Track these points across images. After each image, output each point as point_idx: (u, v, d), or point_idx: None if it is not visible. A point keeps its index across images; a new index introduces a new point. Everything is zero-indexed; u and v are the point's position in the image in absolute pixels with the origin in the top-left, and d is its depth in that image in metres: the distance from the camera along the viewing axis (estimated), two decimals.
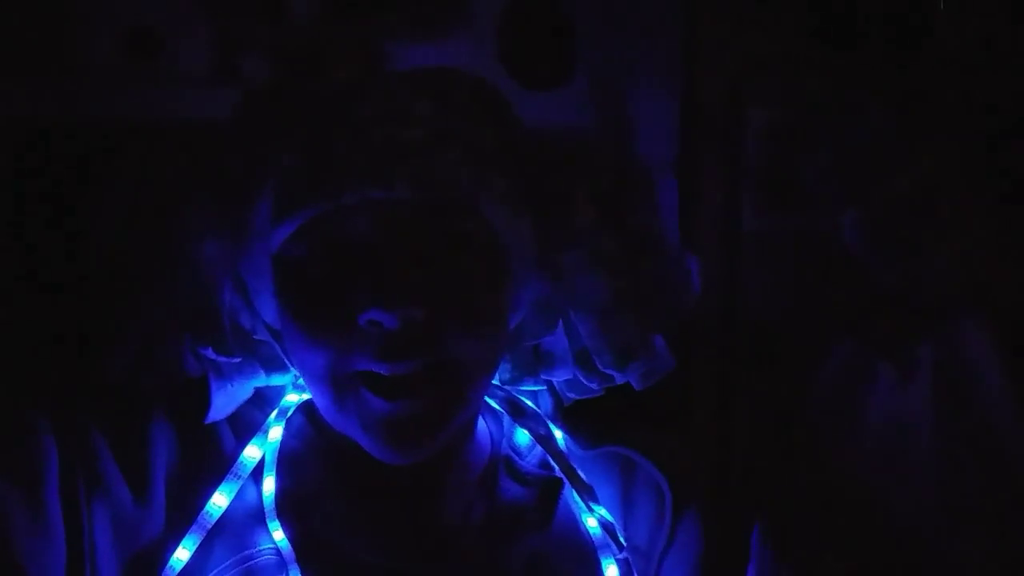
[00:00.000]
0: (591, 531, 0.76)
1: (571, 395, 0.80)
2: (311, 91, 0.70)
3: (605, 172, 0.75)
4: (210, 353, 0.70)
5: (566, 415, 0.82)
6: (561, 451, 0.78)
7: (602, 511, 0.76)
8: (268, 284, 0.69)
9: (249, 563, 0.68)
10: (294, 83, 0.72)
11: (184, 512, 0.68)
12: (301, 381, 0.75)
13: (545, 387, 0.81)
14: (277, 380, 0.75)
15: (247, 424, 0.73)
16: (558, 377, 0.79)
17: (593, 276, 0.73)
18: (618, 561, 0.74)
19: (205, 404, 0.71)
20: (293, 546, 0.68)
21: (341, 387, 0.66)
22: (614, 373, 0.75)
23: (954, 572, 0.98)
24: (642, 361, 0.75)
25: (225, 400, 0.72)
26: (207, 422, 0.71)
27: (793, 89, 1.08)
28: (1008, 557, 0.98)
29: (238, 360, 0.71)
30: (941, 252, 1.02)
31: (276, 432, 0.72)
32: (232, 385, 0.72)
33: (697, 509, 0.78)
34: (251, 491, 0.70)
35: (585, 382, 0.78)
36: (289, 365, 0.74)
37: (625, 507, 0.79)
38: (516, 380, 0.79)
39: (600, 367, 0.75)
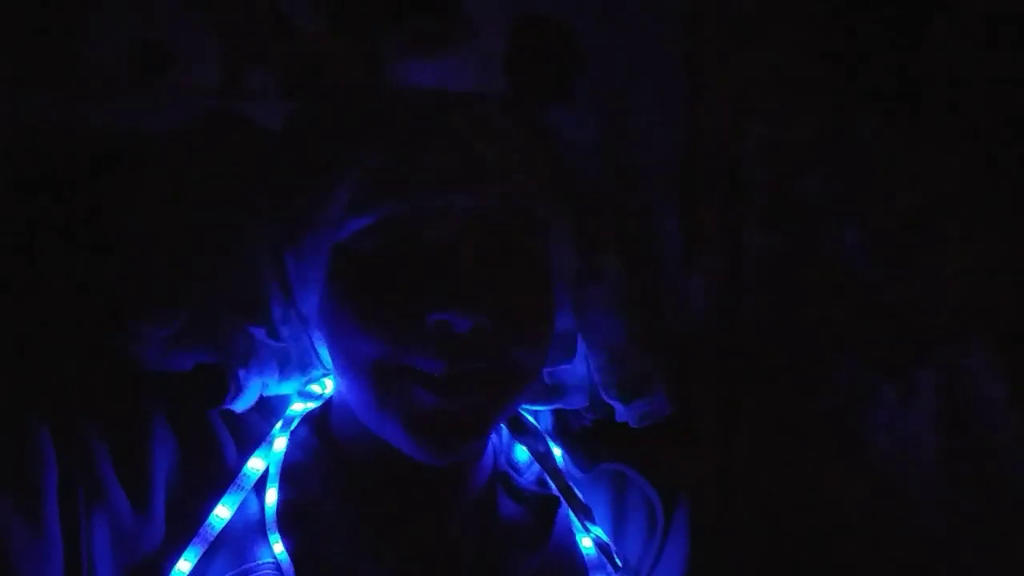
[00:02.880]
0: (586, 551, 0.76)
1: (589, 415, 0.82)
2: (397, 95, 0.73)
3: (632, 216, 0.79)
4: (259, 333, 0.71)
5: (567, 434, 0.82)
6: (559, 470, 0.78)
7: (598, 531, 0.76)
8: (319, 274, 0.70)
9: None
10: (392, 89, 0.75)
11: (185, 523, 0.68)
12: (308, 388, 0.75)
13: (550, 408, 0.81)
14: (285, 387, 0.75)
15: (249, 434, 0.73)
16: (572, 405, 0.80)
17: (611, 314, 0.75)
18: None
19: (212, 400, 0.72)
20: (293, 559, 0.68)
21: (387, 379, 0.67)
22: (618, 406, 0.77)
23: None
24: (645, 400, 0.77)
25: (251, 392, 0.73)
26: (239, 410, 0.72)
27: (794, 106, 1.08)
28: (1011, 574, 0.98)
29: (280, 345, 0.72)
30: (943, 270, 1.02)
31: (281, 443, 0.72)
32: (260, 377, 0.73)
33: (685, 520, 0.79)
34: (253, 503, 0.70)
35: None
36: (314, 363, 0.74)
37: (618, 523, 0.79)
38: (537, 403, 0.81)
39: (605, 399, 0.77)
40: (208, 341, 0.71)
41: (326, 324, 0.70)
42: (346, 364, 0.69)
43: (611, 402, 0.77)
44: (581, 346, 0.77)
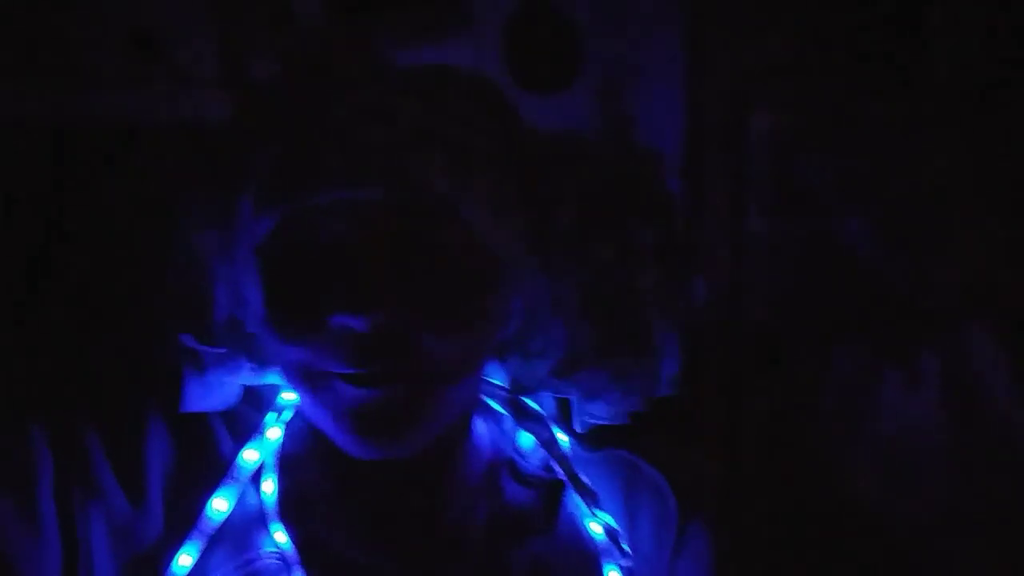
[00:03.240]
0: (594, 536, 0.75)
1: (587, 418, 0.78)
2: (300, 89, 0.69)
3: (598, 172, 0.73)
4: (188, 341, 0.70)
5: (570, 419, 0.81)
6: (564, 454, 0.78)
7: (605, 516, 0.75)
8: (253, 279, 0.68)
9: (250, 566, 0.67)
10: (288, 82, 0.71)
11: (182, 516, 0.67)
12: None
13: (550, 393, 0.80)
14: (271, 378, 0.74)
15: (244, 425, 0.72)
16: (564, 394, 0.77)
17: (568, 280, 0.72)
18: (621, 567, 0.74)
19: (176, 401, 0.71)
20: (295, 547, 0.68)
21: (315, 382, 0.66)
22: (557, 382, 0.74)
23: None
24: (589, 377, 0.73)
25: (201, 392, 0.71)
26: (181, 411, 0.70)
27: (798, 94, 1.08)
28: (1015, 561, 0.98)
29: (222, 351, 0.71)
30: (948, 256, 1.02)
31: (274, 432, 0.72)
32: (209, 377, 0.71)
33: (705, 516, 0.78)
34: (250, 493, 0.70)
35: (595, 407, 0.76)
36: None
37: (628, 511, 0.78)
38: (520, 390, 0.79)
39: (548, 371, 0.74)
40: (158, 346, 0.70)
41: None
42: (279, 368, 0.69)
43: (550, 377, 0.74)
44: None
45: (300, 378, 0.67)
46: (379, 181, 0.63)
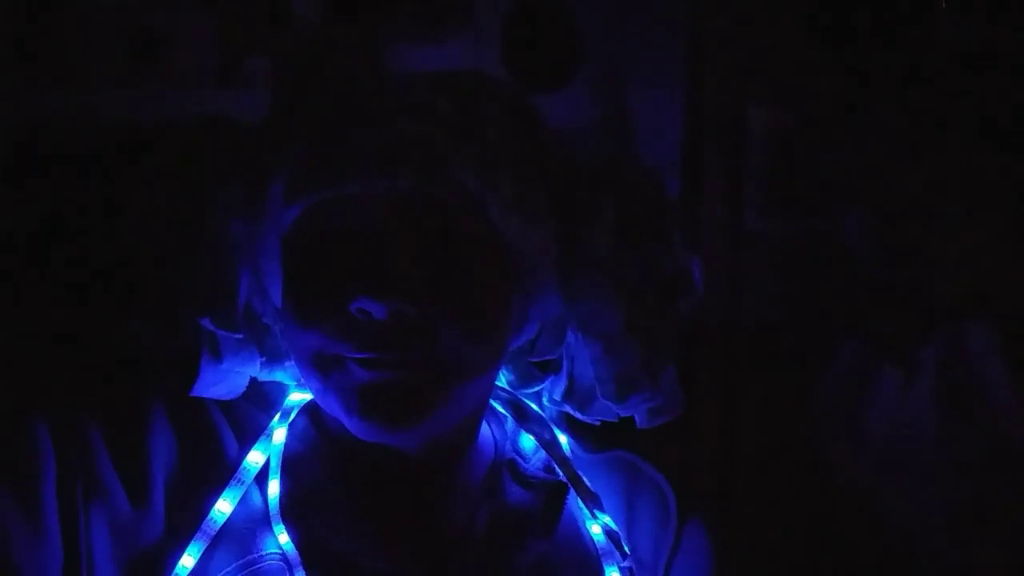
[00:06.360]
0: (595, 538, 0.75)
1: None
2: (333, 83, 0.71)
3: (633, 198, 0.75)
4: (208, 324, 0.70)
5: (570, 419, 0.81)
6: (566, 456, 0.78)
7: (606, 518, 0.76)
8: (278, 266, 0.70)
9: (253, 568, 0.67)
10: (314, 78, 0.73)
11: (185, 517, 0.67)
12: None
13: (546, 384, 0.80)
14: (279, 375, 0.75)
15: (250, 426, 0.73)
16: (558, 395, 0.79)
17: (606, 302, 0.73)
18: (621, 569, 0.74)
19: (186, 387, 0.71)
20: (297, 550, 0.68)
21: (327, 367, 0.66)
22: (613, 406, 0.75)
23: (957, 575, 0.99)
24: (646, 395, 0.74)
25: (213, 379, 0.72)
26: (191, 395, 0.71)
27: (797, 90, 1.08)
28: (1011, 560, 0.98)
29: (239, 337, 0.72)
30: (945, 253, 1.02)
31: (280, 434, 0.72)
32: (223, 365, 0.72)
33: (703, 516, 0.78)
34: (254, 495, 0.70)
35: (578, 413, 0.78)
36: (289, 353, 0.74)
37: (629, 512, 0.79)
38: (517, 388, 0.80)
39: (600, 396, 0.75)
40: (173, 332, 0.71)
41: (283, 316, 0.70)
42: (293, 355, 0.69)
43: (605, 401, 0.75)
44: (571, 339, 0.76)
45: (313, 365, 0.67)
46: (411, 173, 0.65)
